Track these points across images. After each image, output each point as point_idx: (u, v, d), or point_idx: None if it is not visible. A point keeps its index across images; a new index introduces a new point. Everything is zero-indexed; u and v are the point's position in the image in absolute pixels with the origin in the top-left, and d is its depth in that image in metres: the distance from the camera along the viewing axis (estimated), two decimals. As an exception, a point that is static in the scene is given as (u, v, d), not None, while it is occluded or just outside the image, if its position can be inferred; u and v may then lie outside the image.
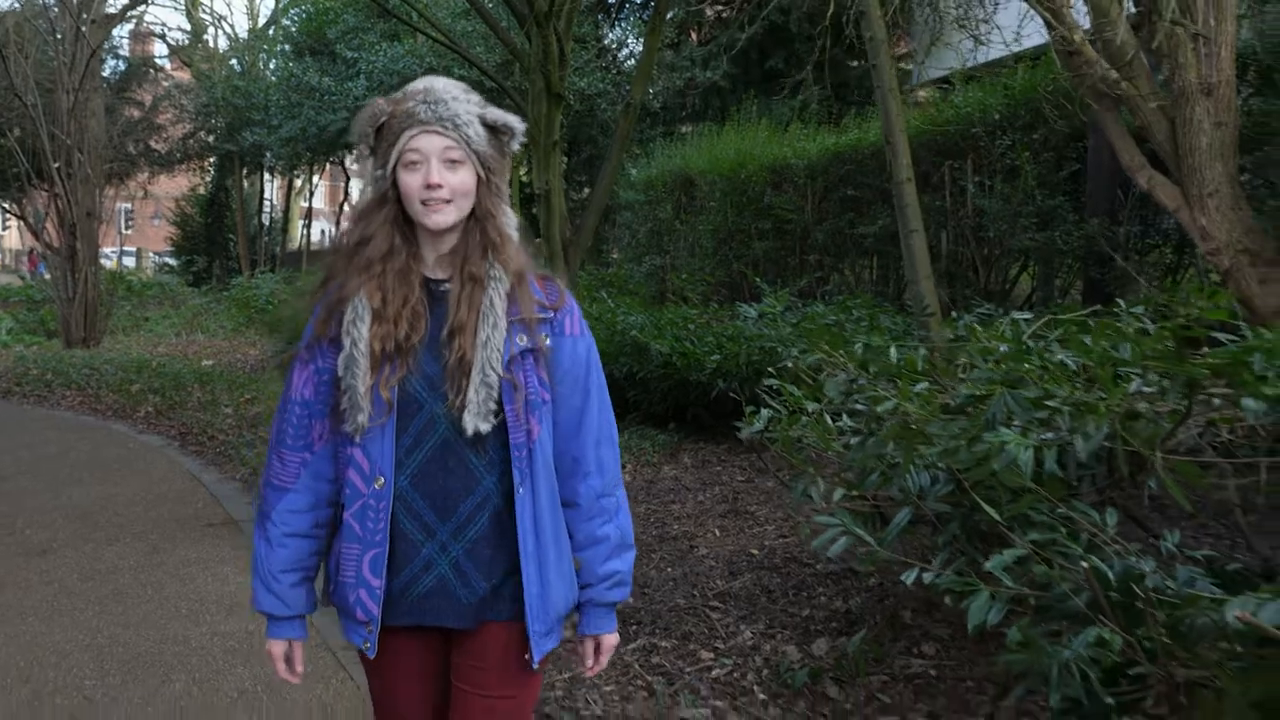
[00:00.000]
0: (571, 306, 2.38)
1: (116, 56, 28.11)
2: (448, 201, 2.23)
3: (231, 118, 27.78)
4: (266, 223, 35.01)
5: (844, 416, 4.29)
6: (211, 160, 32.12)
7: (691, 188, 15.76)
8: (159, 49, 34.67)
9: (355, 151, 2.36)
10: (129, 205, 36.16)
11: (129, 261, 42.70)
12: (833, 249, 12.69)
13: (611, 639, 2.47)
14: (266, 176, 34.24)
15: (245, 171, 32.03)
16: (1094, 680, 2.95)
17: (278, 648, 2.42)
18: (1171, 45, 6.85)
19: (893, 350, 4.20)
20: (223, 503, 7.67)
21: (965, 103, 10.52)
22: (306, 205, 35.56)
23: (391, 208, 2.28)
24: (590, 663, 2.47)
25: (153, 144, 28.91)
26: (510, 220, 2.34)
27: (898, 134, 8.24)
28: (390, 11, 14.25)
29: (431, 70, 19.10)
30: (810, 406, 4.40)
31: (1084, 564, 2.99)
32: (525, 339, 2.28)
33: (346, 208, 38.64)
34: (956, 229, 10.65)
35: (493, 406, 2.22)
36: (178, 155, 29.76)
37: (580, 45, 19.41)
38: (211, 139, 29.88)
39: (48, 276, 19.96)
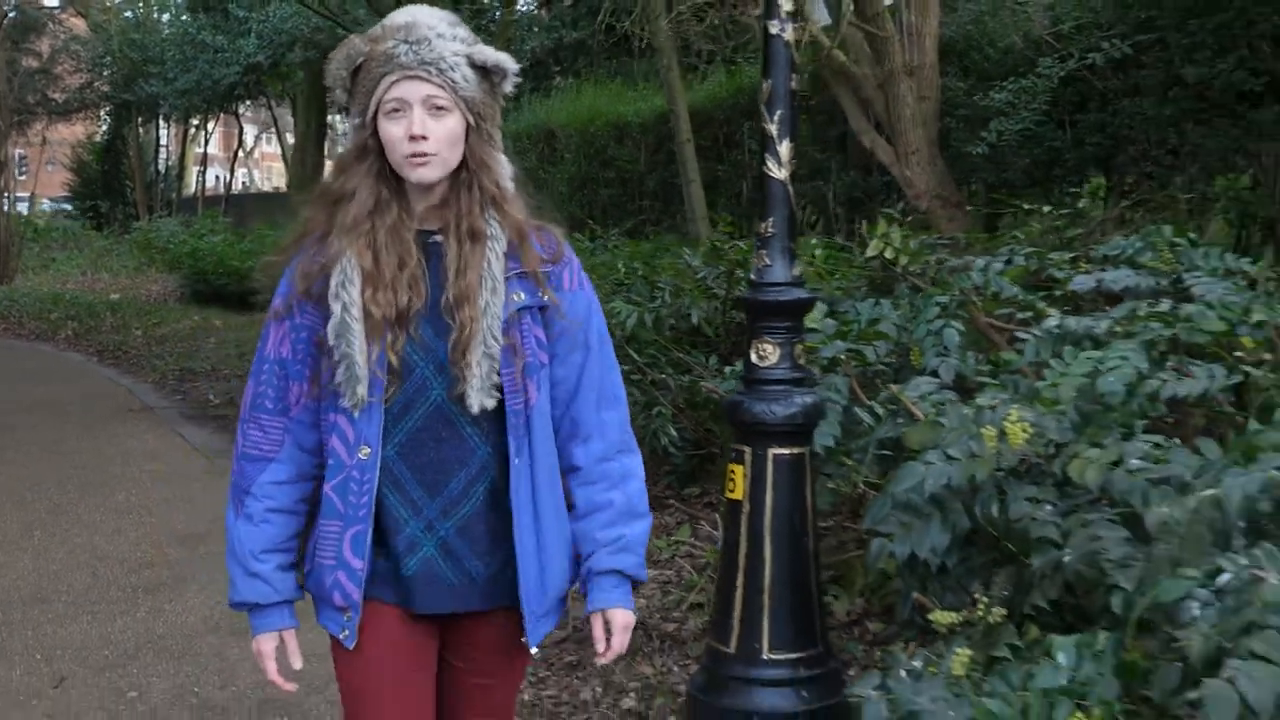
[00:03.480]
0: (570, 259, 2.18)
1: (13, 8, 29.20)
2: (434, 154, 2.02)
3: (128, 69, 29.08)
4: (163, 169, 36.27)
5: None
6: (108, 109, 33.33)
7: (553, 140, 17.68)
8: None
9: (332, 97, 2.15)
10: (23, 152, 37.03)
11: (22, 207, 43.53)
12: (661, 195, 14.84)
13: (624, 615, 2.17)
14: (162, 124, 35.45)
15: (141, 120, 33.25)
16: (670, 444, 5.17)
17: (268, 643, 2.17)
18: (884, 37, 9.12)
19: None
20: (140, 397, 9.73)
21: (754, 73, 12.71)
22: (201, 152, 36.83)
23: (375, 159, 2.07)
24: (602, 647, 2.18)
25: (50, 93, 30.15)
26: (506, 169, 2.13)
27: (679, 103, 10.42)
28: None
29: (319, 30, 20.81)
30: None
31: (665, 377, 5.21)
32: (523, 295, 2.10)
33: (241, 154, 40.00)
34: (751, 182, 12.87)
35: (496, 380, 2.03)
36: (75, 104, 31.04)
37: (454, 6, 21.23)
38: (108, 89, 31.12)
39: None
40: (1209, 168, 7.52)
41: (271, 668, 2.18)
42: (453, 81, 2.02)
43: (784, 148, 3.52)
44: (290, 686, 2.21)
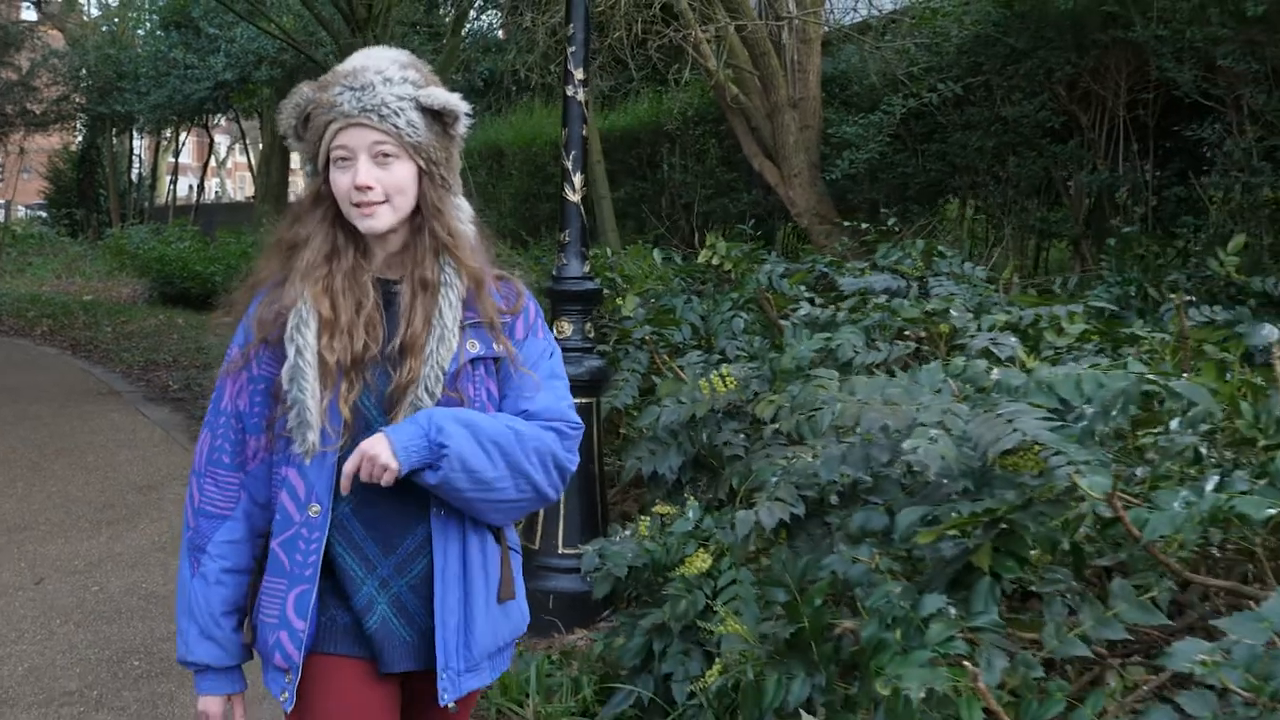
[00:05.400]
0: (527, 308, 2.14)
1: (-7, 24, 30.41)
2: (382, 202, 1.98)
3: (103, 83, 30.25)
4: (136, 179, 37.40)
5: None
6: (83, 120, 34.45)
7: (501, 157, 19.01)
8: (27, 13, 36.63)
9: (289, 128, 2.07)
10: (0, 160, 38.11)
11: (-1, 214, 44.67)
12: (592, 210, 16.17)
13: (381, 442, 1.93)
14: (135, 135, 36.57)
15: (116, 131, 34.36)
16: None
17: (214, 705, 2.11)
18: (769, 73, 10.44)
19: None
20: (108, 383, 10.99)
21: (670, 102, 14.06)
22: (174, 162, 37.94)
23: (329, 206, 2.04)
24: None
25: (28, 105, 31.29)
26: (463, 213, 2.10)
27: (589, 131, 11.71)
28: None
29: (284, 50, 22.06)
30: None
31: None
32: (478, 344, 2.05)
33: (213, 164, 41.14)
34: (669, 198, 14.21)
35: None
36: (52, 116, 32.16)
37: (413, 30, 22.53)
38: (84, 101, 32.26)
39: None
40: (1023, 194, 8.89)
41: None
42: (397, 127, 1.97)
43: (576, 179, 4.84)
44: None
